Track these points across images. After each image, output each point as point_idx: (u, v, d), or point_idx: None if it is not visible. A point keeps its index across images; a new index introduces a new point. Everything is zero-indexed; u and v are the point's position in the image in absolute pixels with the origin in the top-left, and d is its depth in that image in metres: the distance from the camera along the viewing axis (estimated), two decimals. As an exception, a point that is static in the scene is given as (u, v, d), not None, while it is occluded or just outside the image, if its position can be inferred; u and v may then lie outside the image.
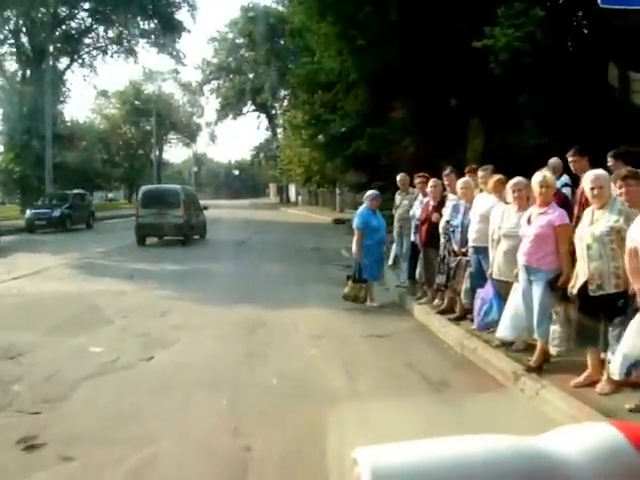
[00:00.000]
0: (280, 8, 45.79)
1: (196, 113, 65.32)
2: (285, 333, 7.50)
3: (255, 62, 51.56)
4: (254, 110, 59.99)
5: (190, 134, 65.72)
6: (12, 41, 33.89)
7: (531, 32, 11.25)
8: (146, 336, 7.18)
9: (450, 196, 7.93)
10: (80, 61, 37.67)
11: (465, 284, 7.07)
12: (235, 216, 34.60)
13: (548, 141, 10.76)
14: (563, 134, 10.31)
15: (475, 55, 12.09)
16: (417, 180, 9.14)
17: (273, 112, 57.74)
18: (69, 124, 41.65)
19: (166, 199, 18.67)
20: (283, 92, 53.95)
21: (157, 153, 56.30)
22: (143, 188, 20.42)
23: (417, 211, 8.81)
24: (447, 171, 8.22)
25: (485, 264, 6.60)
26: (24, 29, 33.05)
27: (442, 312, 7.71)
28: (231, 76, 56.30)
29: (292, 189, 56.88)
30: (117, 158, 55.65)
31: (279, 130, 56.59)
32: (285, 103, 53.71)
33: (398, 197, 9.98)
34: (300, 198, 51.55)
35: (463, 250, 7.23)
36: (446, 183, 8.14)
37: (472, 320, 6.82)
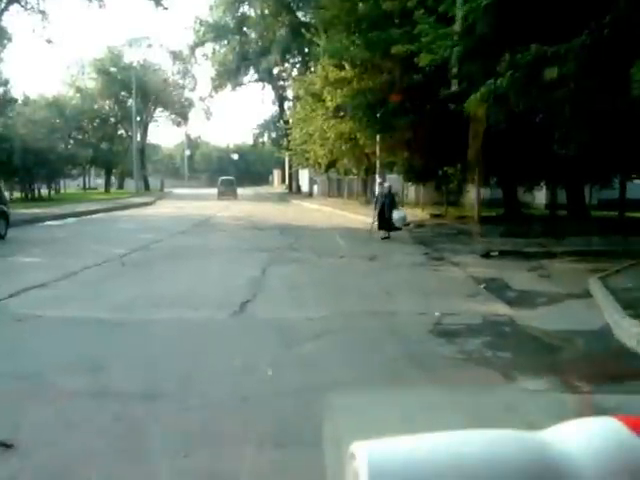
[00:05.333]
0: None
1: (187, 86, 54.99)
2: None
3: (261, 16, 41.38)
4: (257, 80, 49.88)
5: (181, 111, 55.46)
6: None
7: None
8: None
9: None
10: (24, 3, 27.89)
11: None
12: (234, 214, 24.55)
13: None
14: None
15: None
16: None
17: (280, 83, 47.74)
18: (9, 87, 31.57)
19: (230, 182, 43.17)
20: (294, 58, 44.33)
21: (138, 133, 46.30)
22: (221, 178, 44.53)
23: None
24: None
25: None
26: None
27: None
28: (230, 37, 46.27)
29: (304, 176, 47.05)
30: (93, 139, 45.33)
31: (288, 105, 46.79)
32: (295, 72, 44.01)
33: None
34: (316, 188, 41.76)
35: None
36: None
37: None
